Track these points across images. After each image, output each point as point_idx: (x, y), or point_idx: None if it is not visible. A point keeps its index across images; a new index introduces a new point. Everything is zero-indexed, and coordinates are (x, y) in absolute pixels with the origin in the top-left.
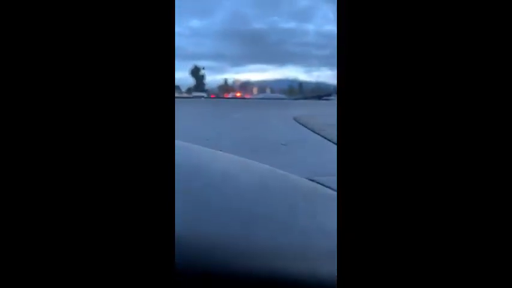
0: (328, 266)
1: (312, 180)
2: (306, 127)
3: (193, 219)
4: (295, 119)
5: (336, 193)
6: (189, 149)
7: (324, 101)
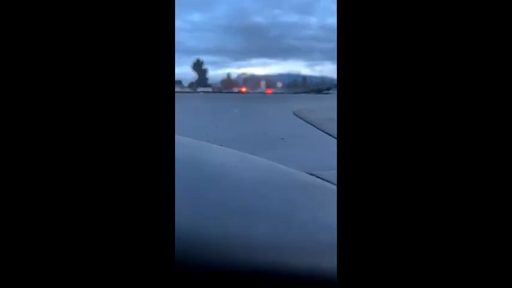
0: (328, 260)
1: (311, 174)
2: (305, 121)
3: (192, 213)
4: (295, 113)
5: (335, 187)
6: (188, 143)
7: (324, 95)
